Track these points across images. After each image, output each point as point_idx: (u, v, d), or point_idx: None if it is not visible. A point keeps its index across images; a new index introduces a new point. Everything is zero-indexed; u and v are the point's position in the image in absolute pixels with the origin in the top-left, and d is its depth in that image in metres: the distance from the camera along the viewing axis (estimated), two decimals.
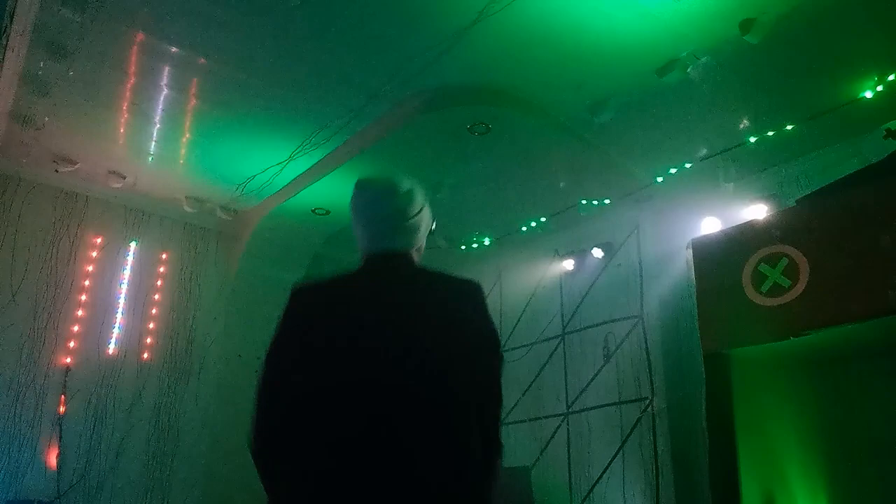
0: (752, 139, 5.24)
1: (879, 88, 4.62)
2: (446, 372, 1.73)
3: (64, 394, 5.97)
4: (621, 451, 6.01)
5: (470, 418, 1.73)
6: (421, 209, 1.99)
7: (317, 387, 1.72)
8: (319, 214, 6.46)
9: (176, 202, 6.57)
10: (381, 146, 5.39)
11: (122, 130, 5.55)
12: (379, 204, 1.95)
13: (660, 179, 5.79)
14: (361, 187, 2.00)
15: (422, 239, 2.02)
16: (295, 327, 1.81)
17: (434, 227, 2.10)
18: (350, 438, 1.65)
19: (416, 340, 1.75)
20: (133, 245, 6.66)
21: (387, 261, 1.91)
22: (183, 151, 5.84)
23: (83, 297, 6.26)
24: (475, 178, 6.04)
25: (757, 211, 5.14)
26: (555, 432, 6.62)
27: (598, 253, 6.61)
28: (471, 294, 1.88)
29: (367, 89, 4.91)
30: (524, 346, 7.19)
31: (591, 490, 6.16)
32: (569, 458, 6.44)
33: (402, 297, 1.84)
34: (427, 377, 1.71)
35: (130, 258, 6.62)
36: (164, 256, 6.81)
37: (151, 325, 6.58)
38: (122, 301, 6.48)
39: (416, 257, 1.99)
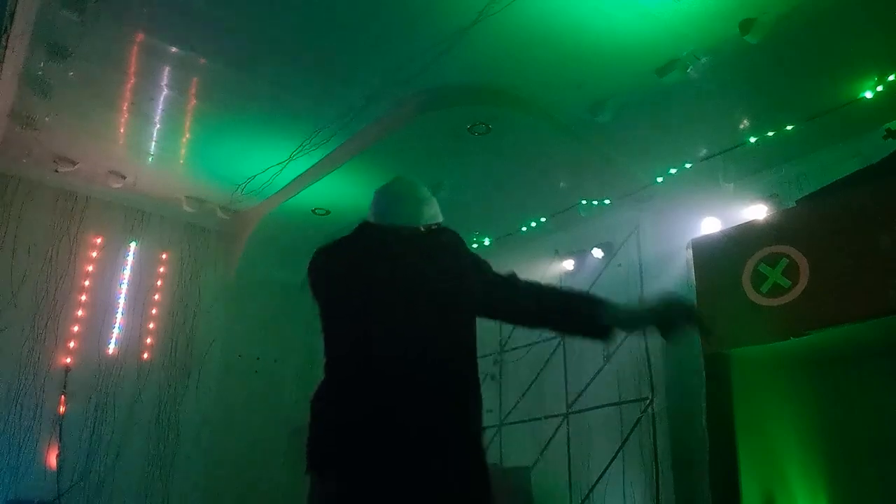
0: (752, 139, 5.24)
1: (879, 88, 4.62)
2: (445, 305, 2.05)
3: (64, 394, 5.97)
4: (621, 451, 6.01)
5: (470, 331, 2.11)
6: (428, 199, 2.29)
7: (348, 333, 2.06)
8: (319, 214, 6.46)
9: (176, 202, 6.57)
10: (381, 146, 5.39)
11: (122, 130, 5.54)
12: (393, 187, 2.31)
13: (660, 179, 5.79)
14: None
15: (427, 221, 2.26)
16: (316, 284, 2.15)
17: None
18: (374, 367, 1.95)
19: (420, 289, 2.05)
20: (133, 245, 6.67)
21: (391, 232, 2.19)
22: (183, 151, 5.84)
23: (83, 297, 6.26)
24: (475, 178, 6.04)
25: (757, 211, 5.14)
26: (555, 432, 6.61)
27: (598, 253, 6.61)
28: (451, 241, 2.22)
29: (367, 89, 4.91)
30: (524, 346, 7.18)
31: (591, 490, 6.15)
32: (569, 458, 6.43)
33: (407, 258, 2.14)
34: (428, 317, 2.01)
35: (130, 258, 6.62)
36: (164, 256, 6.81)
37: (151, 325, 6.58)
38: (122, 301, 6.48)
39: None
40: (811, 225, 4.31)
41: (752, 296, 4.37)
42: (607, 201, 6.19)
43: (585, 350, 6.60)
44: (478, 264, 2.22)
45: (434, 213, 2.28)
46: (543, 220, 6.65)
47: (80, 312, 6.22)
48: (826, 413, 4.63)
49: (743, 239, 4.63)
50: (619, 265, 6.52)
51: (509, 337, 7.34)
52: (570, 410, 6.58)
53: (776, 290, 4.27)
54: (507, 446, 6.99)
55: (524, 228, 6.80)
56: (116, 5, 4.17)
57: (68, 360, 6.07)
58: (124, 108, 5.22)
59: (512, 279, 2.23)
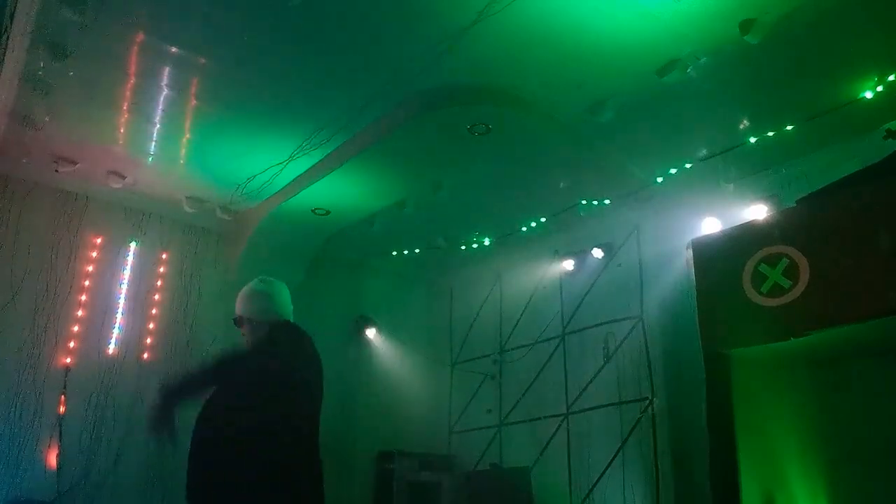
0: (752, 139, 5.25)
1: (879, 88, 4.62)
2: None
3: (64, 394, 5.97)
4: (621, 451, 6.02)
5: None
6: None
7: None
8: (319, 214, 6.46)
9: (176, 202, 6.56)
10: (380, 146, 5.39)
11: (122, 130, 5.54)
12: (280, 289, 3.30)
13: (660, 179, 5.80)
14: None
15: None
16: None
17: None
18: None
19: None
20: (133, 245, 6.66)
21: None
22: (183, 151, 5.84)
23: (83, 297, 6.26)
24: (475, 178, 6.04)
25: (757, 211, 5.14)
26: (555, 432, 6.62)
27: (598, 253, 6.62)
28: None
29: (367, 89, 4.91)
30: (524, 346, 7.19)
31: (591, 490, 6.16)
32: (569, 458, 6.44)
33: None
34: None
35: (130, 258, 6.61)
36: (164, 256, 6.81)
37: (151, 325, 6.58)
38: (122, 301, 6.47)
39: None
40: (811, 225, 4.30)
41: (753, 296, 4.36)
42: (607, 201, 6.20)
43: (586, 350, 6.62)
44: None
45: None
46: (543, 220, 6.65)
47: (80, 312, 6.21)
48: (826, 413, 4.62)
49: (743, 239, 4.62)
50: (619, 265, 6.53)
51: (509, 336, 7.35)
52: (570, 410, 6.59)
53: (776, 290, 4.26)
54: (507, 446, 7.00)
55: (524, 228, 6.80)
56: (116, 5, 4.17)
57: (68, 360, 6.07)
58: (124, 108, 5.22)
59: None
